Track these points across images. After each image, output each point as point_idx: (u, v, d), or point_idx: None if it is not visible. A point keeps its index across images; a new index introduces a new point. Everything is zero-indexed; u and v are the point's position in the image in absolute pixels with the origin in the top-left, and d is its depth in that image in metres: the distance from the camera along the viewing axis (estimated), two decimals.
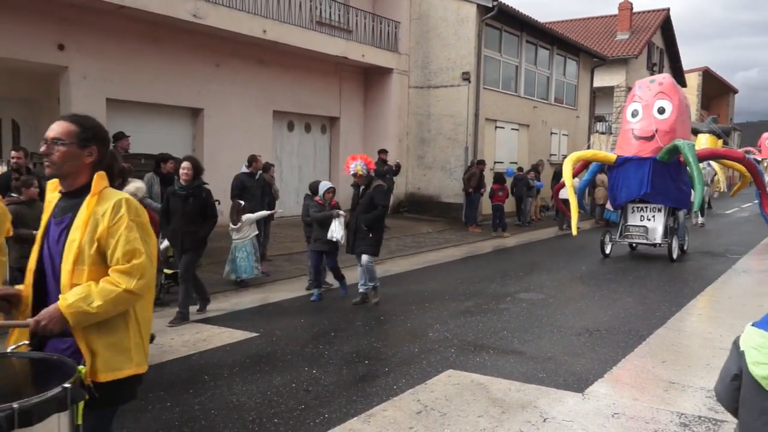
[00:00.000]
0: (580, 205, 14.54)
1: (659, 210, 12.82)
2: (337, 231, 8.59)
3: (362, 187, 8.55)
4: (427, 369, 5.90)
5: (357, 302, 8.50)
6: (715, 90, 50.96)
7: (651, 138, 12.22)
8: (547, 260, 12.72)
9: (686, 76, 40.46)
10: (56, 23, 11.62)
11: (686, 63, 42.18)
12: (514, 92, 21.37)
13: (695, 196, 11.41)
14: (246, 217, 9.41)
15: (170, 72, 13.64)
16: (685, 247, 13.52)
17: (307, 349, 6.50)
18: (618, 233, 13.14)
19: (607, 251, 13.08)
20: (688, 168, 11.65)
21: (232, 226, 9.50)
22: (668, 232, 12.78)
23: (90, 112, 11.08)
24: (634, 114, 12.81)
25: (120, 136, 10.67)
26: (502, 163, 19.77)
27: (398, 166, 16.79)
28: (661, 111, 12.42)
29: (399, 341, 6.86)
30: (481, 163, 17.81)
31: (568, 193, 12.35)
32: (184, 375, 5.70)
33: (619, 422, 4.73)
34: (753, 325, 2.42)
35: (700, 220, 19.05)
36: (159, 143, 12.72)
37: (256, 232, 9.61)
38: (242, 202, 9.70)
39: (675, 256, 12.59)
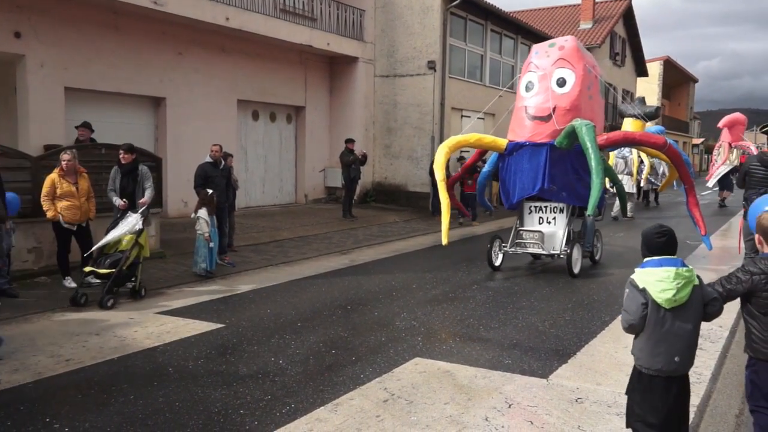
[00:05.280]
0: (482, 202, 12.55)
1: (561, 210, 10.18)
2: None
3: None
4: (394, 357, 5.91)
5: None
6: (676, 79, 51.93)
7: (548, 118, 9.68)
8: None
9: (648, 65, 41.14)
10: (12, 11, 11.29)
11: (649, 53, 42.90)
12: (479, 81, 21.45)
13: (592, 192, 8.97)
14: (201, 213, 9.31)
15: (131, 60, 13.37)
16: (597, 257, 11.06)
17: (273, 340, 6.46)
18: (510, 240, 10.44)
19: (497, 263, 10.34)
20: (586, 155, 9.15)
21: (192, 215, 9.46)
22: (570, 239, 10.09)
23: (48, 101, 10.92)
24: (529, 87, 10.12)
25: (85, 125, 10.53)
26: (468, 152, 19.83)
27: (365, 156, 16.77)
28: (561, 83, 9.77)
29: (366, 330, 6.86)
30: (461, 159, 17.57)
31: (439, 188, 9.60)
32: (148, 367, 5.62)
33: (583, 407, 4.80)
34: (642, 267, 3.51)
35: (628, 213, 16.65)
36: (120, 133, 12.48)
37: (202, 231, 9.36)
38: (210, 191, 9.60)
39: (577, 269, 9.83)
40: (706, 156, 66.57)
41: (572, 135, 9.27)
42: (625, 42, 37.02)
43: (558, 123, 9.55)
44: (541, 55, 10.24)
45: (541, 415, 4.65)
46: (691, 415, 4.62)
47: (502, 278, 9.78)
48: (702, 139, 62.88)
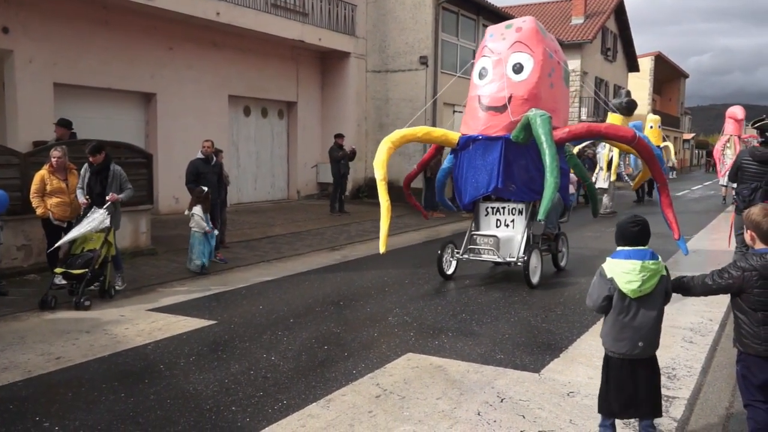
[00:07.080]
0: (442, 202, 11.41)
1: (520, 212, 9.03)
2: None
3: None
4: (387, 353, 5.90)
5: None
6: (667, 75, 52.09)
7: (503, 108, 8.60)
8: None
9: (639, 60, 41.26)
10: (0, 5, 11.20)
11: (640, 48, 43.09)
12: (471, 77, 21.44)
13: (545, 192, 8.02)
14: (196, 210, 9.29)
15: (121, 56, 13.30)
16: (563, 263, 9.98)
17: (265, 336, 6.44)
18: (462, 246, 9.31)
19: (449, 271, 9.26)
20: (540, 149, 8.17)
21: (186, 212, 9.44)
22: (529, 244, 8.91)
23: (37, 97, 10.82)
24: (482, 74, 9.02)
25: (60, 123, 10.26)
26: None
27: (353, 152, 16.73)
28: (518, 69, 8.66)
29: (358, 326, 6.85)
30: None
31: (379, 189, 8.24)
32: (139, 365, 5.59)
33: (575, 401, 4.81)
34: (612, 257, 3.69)
35: (608, 207, 16.63)
36: (110, 129, 12.43)
37: (201, 227, 9.31)
38: (205, 189, 9.57)
39: (536, 279, 8.67)
40: (696, 151, 67.01)
41: (529, 127, 8.30)
42: (617, 37, 37.12)
43: (514, 114, 8.49)
44: (496, 37, 9.07)
45: (534, 409, 4.65)
46: (681, 408, 4.66)
47: (494, 274, 9.78)
48: (693, 135, 63.19)
